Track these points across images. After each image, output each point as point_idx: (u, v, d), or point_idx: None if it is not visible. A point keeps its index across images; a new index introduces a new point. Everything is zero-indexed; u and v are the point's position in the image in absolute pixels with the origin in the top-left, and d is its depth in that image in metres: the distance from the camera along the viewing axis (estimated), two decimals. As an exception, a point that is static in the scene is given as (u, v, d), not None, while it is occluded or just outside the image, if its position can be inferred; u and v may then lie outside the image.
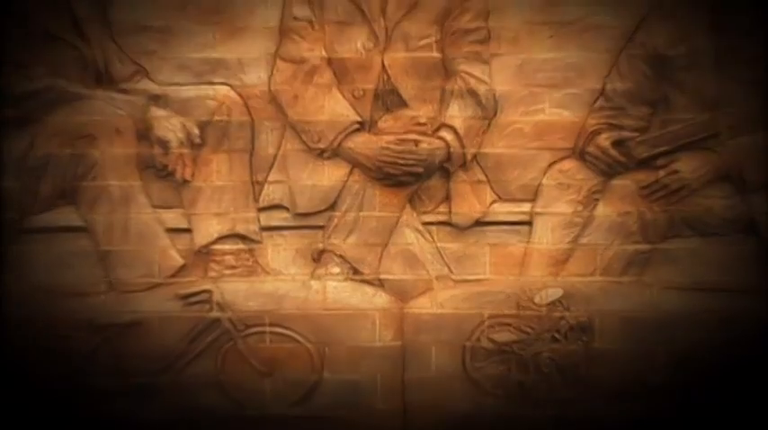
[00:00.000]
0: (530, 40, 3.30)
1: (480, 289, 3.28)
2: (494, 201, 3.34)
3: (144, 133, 3.26)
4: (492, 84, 3.30)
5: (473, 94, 3.28)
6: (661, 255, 3.28)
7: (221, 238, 3.30)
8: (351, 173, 3.30)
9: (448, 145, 3.27)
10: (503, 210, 3.33)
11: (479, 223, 3.32)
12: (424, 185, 3.31)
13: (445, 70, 3.31)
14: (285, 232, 3.34)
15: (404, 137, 3.26)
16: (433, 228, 3.33)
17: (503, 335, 3.26)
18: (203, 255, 3.31)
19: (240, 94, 3.30)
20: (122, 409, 3.23)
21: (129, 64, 3.31)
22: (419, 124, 3.28)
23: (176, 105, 3.29)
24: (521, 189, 3.33)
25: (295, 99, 3.30)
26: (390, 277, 3.31)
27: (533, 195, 3.31)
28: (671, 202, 3.28)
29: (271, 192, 3.33)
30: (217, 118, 3.29)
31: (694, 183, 3.27)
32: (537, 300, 3.25)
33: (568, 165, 3.31)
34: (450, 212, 3.32)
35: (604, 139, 3.27)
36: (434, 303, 3.28)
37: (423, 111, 3.30)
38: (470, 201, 3.32)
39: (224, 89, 3.30)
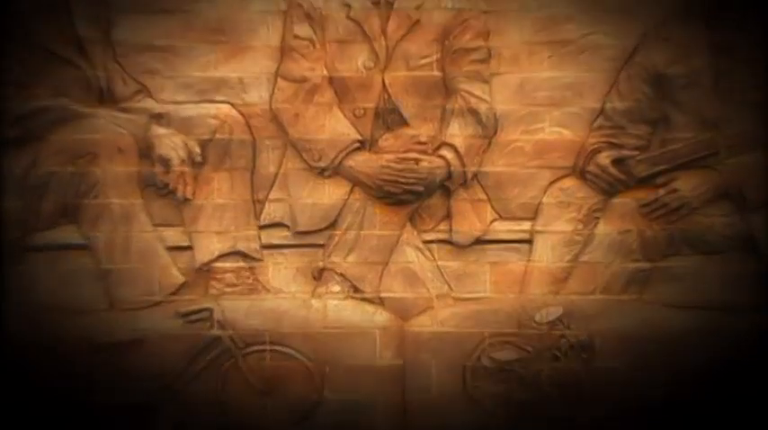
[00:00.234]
0: (530, 59, 3.32)
1: (481, 307, 3.28)
2: (494, 220, 3.34)
3: (145, 151, 3.27)
4: (492, 102, 3.31)
5: (473, 112, 3.29)
6: (661, 273, 3.28)
7: (222, 256, 3.31)
8: (351, 191, 3.30)
9: (448, 163, 3.27)
10: (503, 229, 3.33)
11: (480, 241, 3.33)
12: (424, 204, 3.32)
13: (446, 89, 3.32)
14: (286, 250, 3.34)
15: (404, 155, 3.26)
16: (434, 246, 3.34)
17: (503, 354, 3.25)
18: (204, 272, 3.32)
19: (242, 113, 3.32)
20: (123, 427, 3.23)
21: (132, 83, 3.32)
22: (420, 143, 3.29)
23: (178, 124, 3.30)
24: (521, 207, 3.33)
25: (296, 118, 3.31)
26: (391, 295, 3.31)
27: (534, 214, 3.32)
28: (671, 221, 3.28)
29: (272, 211, 3.34)
30: (218, 136, 3.30)
31: (694, 201, 3.27)
32: (537, 318, 3.25)
33: (569, 183, 3.31)
34: (450, 231, 3.32)
35: (604, 158, 3.28)
36: (435, 321, 3.28)
37: (423, 130, 3.30)
38: (471, 219, 3.33)
39: (225, 108, 3.31)
